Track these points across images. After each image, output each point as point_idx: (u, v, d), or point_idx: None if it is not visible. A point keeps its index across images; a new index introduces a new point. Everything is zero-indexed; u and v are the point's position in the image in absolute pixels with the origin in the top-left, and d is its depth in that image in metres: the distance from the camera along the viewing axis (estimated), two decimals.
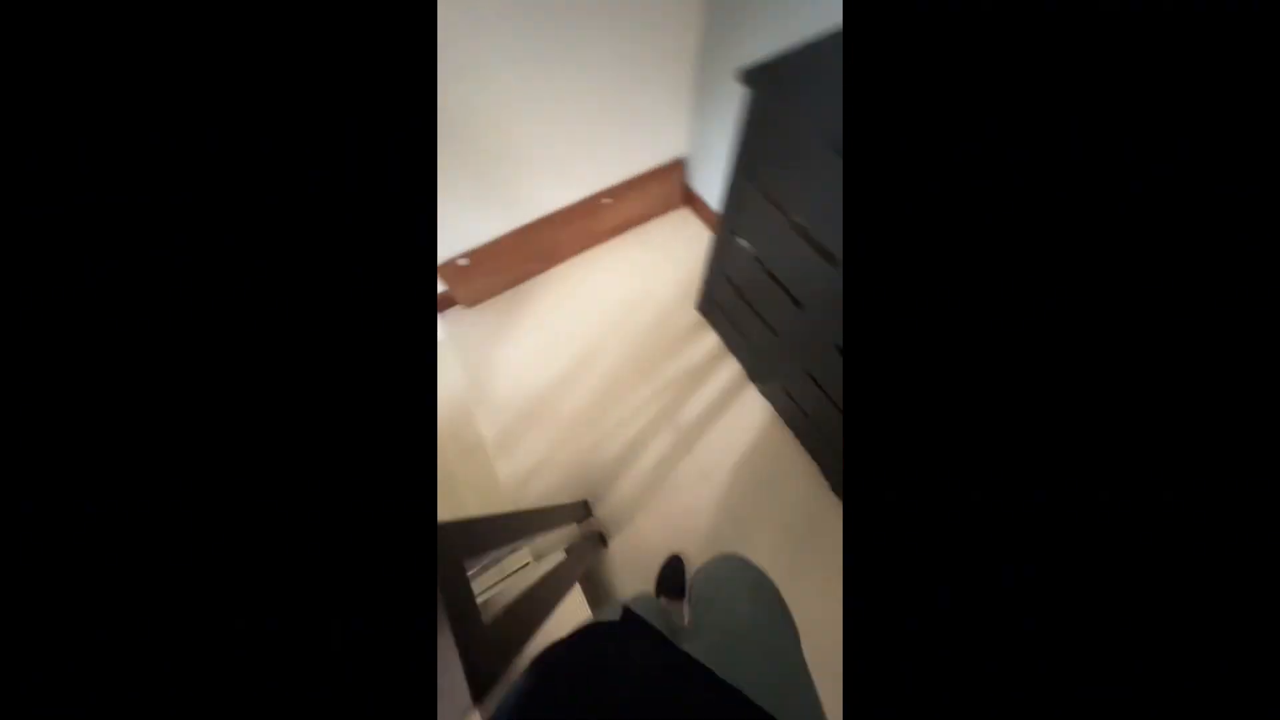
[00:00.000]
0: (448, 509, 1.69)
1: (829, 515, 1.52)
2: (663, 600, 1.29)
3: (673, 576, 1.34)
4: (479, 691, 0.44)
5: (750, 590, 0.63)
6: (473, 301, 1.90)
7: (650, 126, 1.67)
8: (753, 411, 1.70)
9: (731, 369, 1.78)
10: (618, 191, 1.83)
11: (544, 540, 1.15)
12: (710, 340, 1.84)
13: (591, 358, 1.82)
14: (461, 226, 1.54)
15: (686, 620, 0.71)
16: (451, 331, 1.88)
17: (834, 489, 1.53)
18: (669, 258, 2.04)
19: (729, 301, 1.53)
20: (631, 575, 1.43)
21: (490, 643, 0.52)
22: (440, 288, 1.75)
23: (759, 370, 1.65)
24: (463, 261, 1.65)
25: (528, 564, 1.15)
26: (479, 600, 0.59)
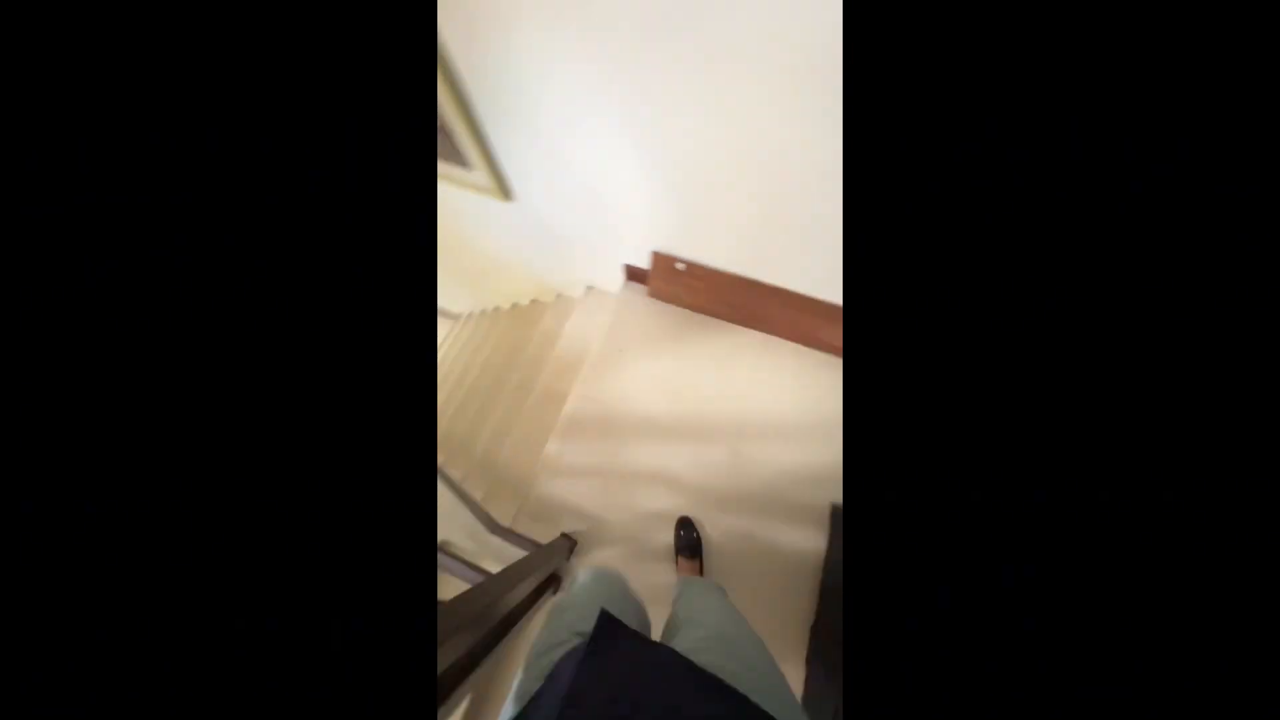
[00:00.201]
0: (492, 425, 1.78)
1: None
2: (679, 560, 1.32)
3: (687, 536, 1.35)
4: None
5: (717, 603, 0.71)
6: (659, 297, 1.76)
7: None
8: None
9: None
10: None
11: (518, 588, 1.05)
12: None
13: (691, 432, 1.56)
14: (707, 239, 1.42)
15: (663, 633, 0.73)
16: (625, 302, 1.75)
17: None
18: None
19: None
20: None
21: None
22: (645, 264, 1.62)
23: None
24: (680, 265, 1.53)
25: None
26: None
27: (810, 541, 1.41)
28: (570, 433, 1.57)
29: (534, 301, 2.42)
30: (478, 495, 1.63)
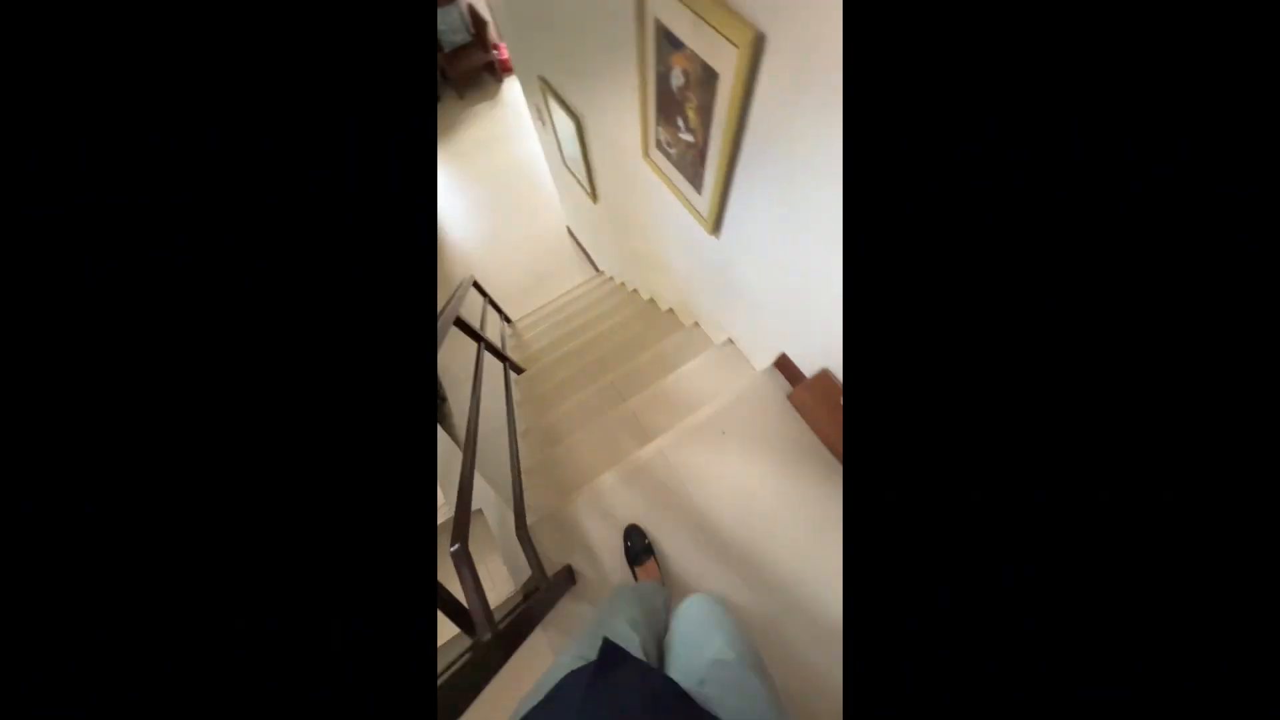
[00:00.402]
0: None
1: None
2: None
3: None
4: None
5: (721, 628, 0.69)
6: (798, 406, 1.51)
7: None
8: None
9: None
10: None
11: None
12: None
13: (738, 564, 1.33)
14: None
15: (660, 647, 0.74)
16: (760, 385, 1.55)
17: None
18: None
19: None
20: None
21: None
22: (807, 371, 1.43)
23: None
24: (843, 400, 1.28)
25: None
26: None
27: None
28: (629, 477, 1.45)
29: (670, 311, 2.32)
30: (526, 465, 1.59)
